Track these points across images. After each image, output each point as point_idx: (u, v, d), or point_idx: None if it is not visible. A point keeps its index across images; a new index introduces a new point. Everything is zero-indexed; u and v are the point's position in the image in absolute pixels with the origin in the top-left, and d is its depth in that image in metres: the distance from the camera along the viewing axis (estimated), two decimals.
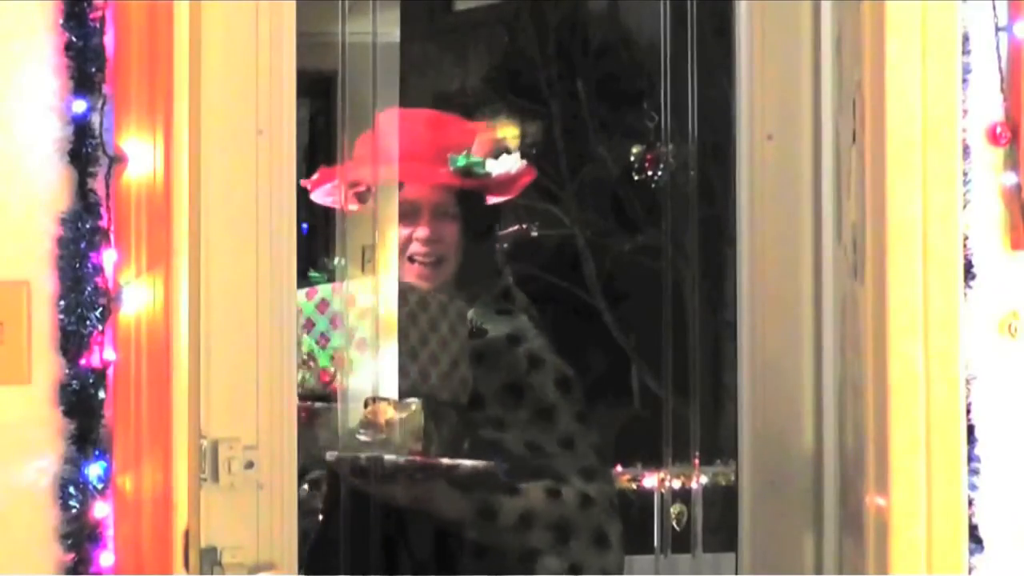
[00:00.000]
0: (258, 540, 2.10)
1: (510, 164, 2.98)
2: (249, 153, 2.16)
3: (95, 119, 1.90)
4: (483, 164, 2.94)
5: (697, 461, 4.50)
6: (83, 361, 1.88)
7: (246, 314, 2.14)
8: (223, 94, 2.10)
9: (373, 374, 2.75)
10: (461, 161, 2.89)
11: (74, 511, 1.88)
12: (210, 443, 2.08)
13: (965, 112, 1.94)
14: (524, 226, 6.11)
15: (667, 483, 4.40)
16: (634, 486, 4.46)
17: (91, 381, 1.88)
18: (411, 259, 2.85)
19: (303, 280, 2.75)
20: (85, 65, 1.90)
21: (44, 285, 1.91)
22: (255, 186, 2.20)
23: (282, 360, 2.17)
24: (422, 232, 2.83)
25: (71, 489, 1.88)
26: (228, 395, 2.10)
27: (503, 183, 2.96)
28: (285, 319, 2.18)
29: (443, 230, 2.85)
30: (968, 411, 1.92)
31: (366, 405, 2.69)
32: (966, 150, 1.94)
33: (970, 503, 1.91)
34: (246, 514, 2.09)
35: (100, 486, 1.88)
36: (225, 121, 2.14)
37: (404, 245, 2.84)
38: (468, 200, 2.90)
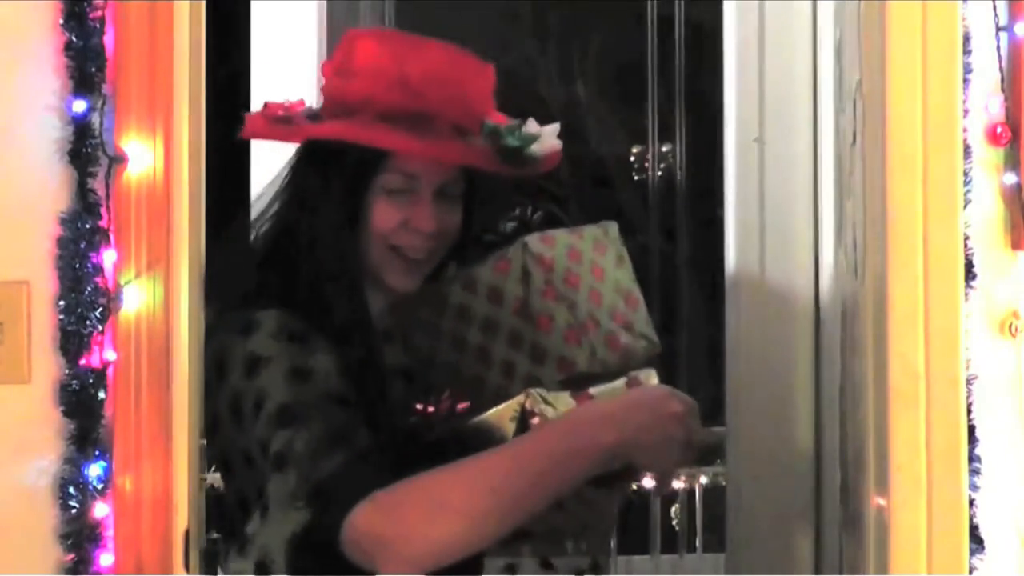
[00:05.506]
0: None
1: (550, 134, 2.15)
2: None
3: (95, 119, 1.89)
4: (532, 140, 2.11)
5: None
6: (83, 361, 1.88)
7: None
8: None
9: None
10: (507, 135, 2.08)
11: (74, 511, 1.88)
12: None
13: (965, 112, 1.93)
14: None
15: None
16: (633, 486, 4.45)
17: (91, 381, 1.88)
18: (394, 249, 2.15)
19: None
20: (85, 65, 1.89)
21: (44, 285, 1.90)
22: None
23: None
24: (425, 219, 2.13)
25: (71, 489, 1.87)
26: None
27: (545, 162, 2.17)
28: None
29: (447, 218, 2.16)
30: (969, 411, 1.92)
31: None
32: (966, 150, 1.94)
33: (971, 503, 1.91)
34: None
35: (100, 486, 1.88)
36: None
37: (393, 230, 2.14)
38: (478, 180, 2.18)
